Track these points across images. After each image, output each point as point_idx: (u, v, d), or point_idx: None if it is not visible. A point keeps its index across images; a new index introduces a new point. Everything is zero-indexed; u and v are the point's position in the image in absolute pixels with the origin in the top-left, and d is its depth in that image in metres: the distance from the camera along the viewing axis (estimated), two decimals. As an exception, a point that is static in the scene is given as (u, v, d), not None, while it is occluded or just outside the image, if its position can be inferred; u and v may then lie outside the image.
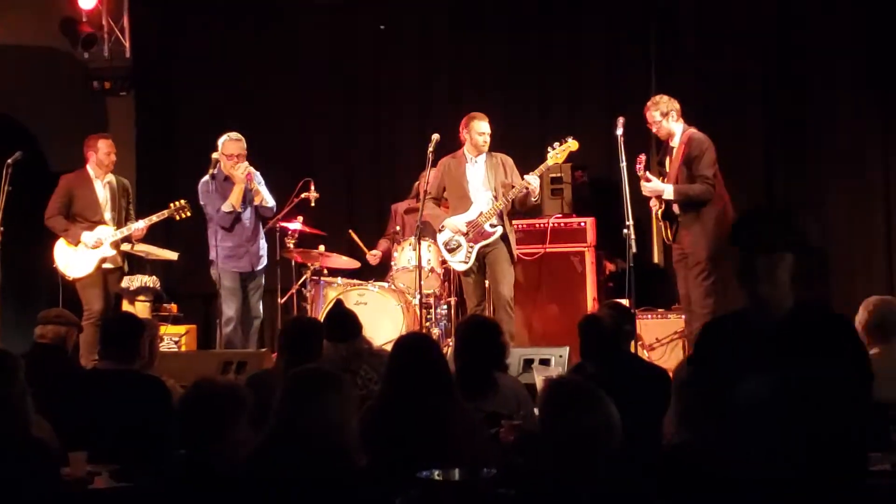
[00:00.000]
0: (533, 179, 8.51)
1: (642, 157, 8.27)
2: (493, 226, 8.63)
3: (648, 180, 8.15)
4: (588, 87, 10.41)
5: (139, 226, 8.95)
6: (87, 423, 4.94)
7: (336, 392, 3.60)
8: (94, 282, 8.91)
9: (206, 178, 8.80)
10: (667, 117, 8.23)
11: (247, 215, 8.85)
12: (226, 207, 8.72)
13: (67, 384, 5.51)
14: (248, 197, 8.81)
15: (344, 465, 3.52)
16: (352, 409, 3.64)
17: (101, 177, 9.03)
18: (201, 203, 8.90)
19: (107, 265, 8.96)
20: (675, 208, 8.22)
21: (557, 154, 8.72)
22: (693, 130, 8.26)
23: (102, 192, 9.03)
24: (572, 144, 8.70)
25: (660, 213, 8.31)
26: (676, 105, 8.25)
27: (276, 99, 10.93)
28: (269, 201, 8.93)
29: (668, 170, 8.31)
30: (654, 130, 8.37)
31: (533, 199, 8.69)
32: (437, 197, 8.90)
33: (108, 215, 9.01)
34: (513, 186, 8.62)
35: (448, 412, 4.39)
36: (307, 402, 3.55)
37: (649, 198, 8.33)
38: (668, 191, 8.16)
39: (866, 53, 9.46)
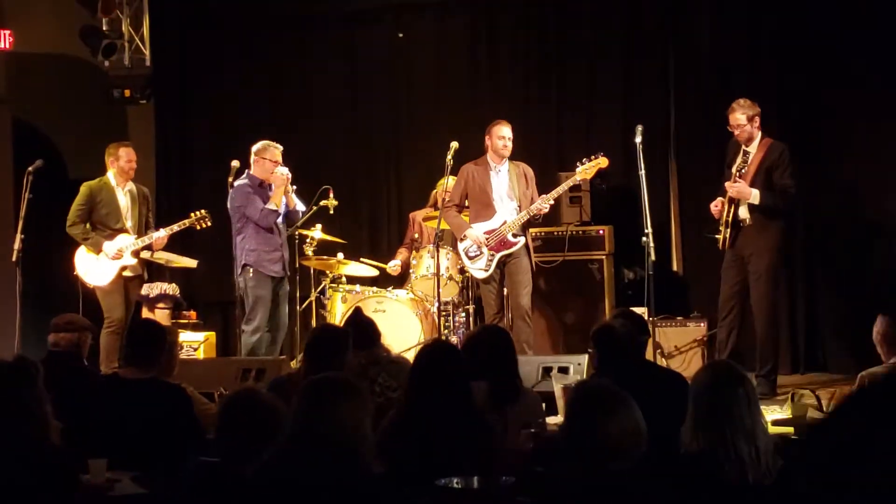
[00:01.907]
0: (545, 205, 8.53)
1: (735, 167, 8.21)
2: (515, 236, 8.64)
3: (737, 181, 8.10)
4: (606, 94, 10.38)
5: (160, 234, 8.97)
6: (108, 429, 4.96)
7: (351, 399, 3.59)
8: (116, 289, 8.94)
9: (243, 182, 8.81)
10: (751, 122, 8.18)
11: (280, 220, 8.89)
12: (271, 206, 8.75)
13: (83, 391, 5.52)
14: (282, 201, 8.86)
15: (359, 473, 3.52)
16: (367, 416, 3.63)
17: (122, 185, 9.05)
18: (236, 206, 8.81)
19: (127, 273, 8.98)
20: (743, 213, 8.16)
21: (587, 170, 8.71)
22: (770, 139, 8.23)
23: (124, 200, 9.05)
24: (602, 161, 8.67)
25: (729, 219, 8.21)
26: (758, 109, 8.22)
27: (294, 107, 10.95)
28: (300, 205, 9.02)
29: (739, 173, 8.21)
30: (735, 133, 8.24)
31: (534, 218, 8.70)
32: (459, 204, 8.91)
33: (129, 223, 9.02)
34: (532, 200, 8.65)
35: (469, 420, 4.39)
36: (322, 410, 3.55)
37: (718, 202, 8.24)
38: (755, 195, 8.08)
39: (883, 58, 9.40)
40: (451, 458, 4.06)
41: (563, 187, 8.83)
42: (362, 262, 9.83)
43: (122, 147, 9.11)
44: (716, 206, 8.25)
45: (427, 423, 4.35)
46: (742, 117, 8.17)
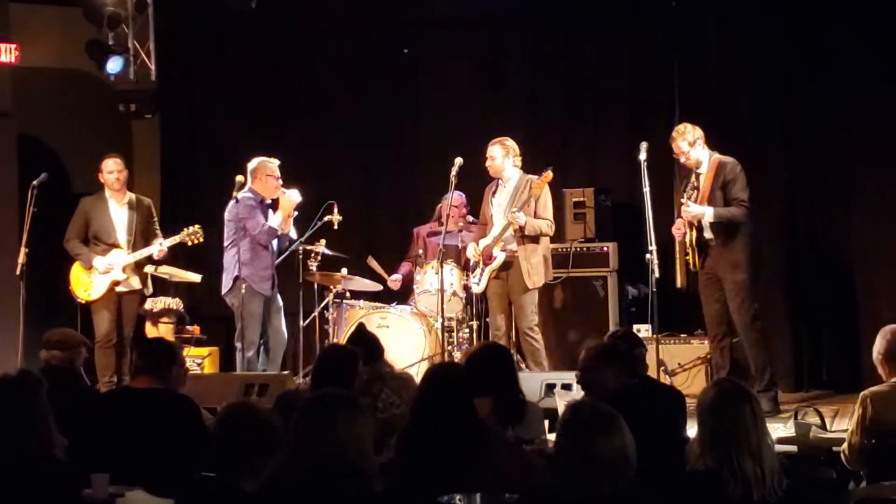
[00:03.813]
0: (520, 217, 8.49)
1: (684, 190, 8.25)
2: (503, 250, 8.69)
3: (687, 206, 8.10)
4: (611, 111, 10.41)
5: (158, 248, 8.86)
6: (115, 441, 4.94)
7: (350, 415, 3.58)
8: (105, 305, 8.81)
9: (247, 195, 8.76)
10: (694, 146, 8.19)
11: (274, 241, 8.88)
12: (273, 223, 8.72)
13: (77, 406, 5.49)
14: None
15: (359, 489, 3.51)
16: (368, 432, 3.62)
17: (117, 198, 8.96)
18: (239, 217, 8.71)
19: (121, 288, 8.87)
20: (708, 234, 8.16)
21: (538, 185, 8.64)
22: (719, 155, 8.24)
23: (119, 214, 8.93)
24: (548, 175, 8.64)
25: (693, 239, 8.22)
26: (700, 132, 8.23)
27: (298, 122, 10.97)
28: (293, 233, 9.00)
29: (689, 197, 8.23)
30: (682, 160, 8.30)
31: (523, 232, 8.61)
32: (483, 222, 8.97)
33: (122, 238, 8.87)
34: (535, 212, 8.64)
35: (479, 440, 4.37)
36: (321, 425, 3.54)
37: (679, 225, 8.24)
38: (709, 213, 8.10)
39: (889, 69, 9.38)
40: (457, 474, 4.05)
41: (518, 207, 8.62)
42: (369, 263, 9.90)
43: (108, 158, 8.99)
44: (678, 228, 8.27)
45: (434, 443, 4.33)
46: (684, 144, 8.20)
